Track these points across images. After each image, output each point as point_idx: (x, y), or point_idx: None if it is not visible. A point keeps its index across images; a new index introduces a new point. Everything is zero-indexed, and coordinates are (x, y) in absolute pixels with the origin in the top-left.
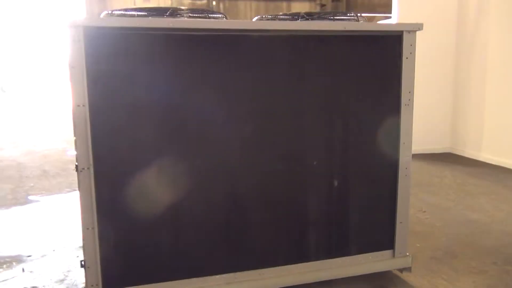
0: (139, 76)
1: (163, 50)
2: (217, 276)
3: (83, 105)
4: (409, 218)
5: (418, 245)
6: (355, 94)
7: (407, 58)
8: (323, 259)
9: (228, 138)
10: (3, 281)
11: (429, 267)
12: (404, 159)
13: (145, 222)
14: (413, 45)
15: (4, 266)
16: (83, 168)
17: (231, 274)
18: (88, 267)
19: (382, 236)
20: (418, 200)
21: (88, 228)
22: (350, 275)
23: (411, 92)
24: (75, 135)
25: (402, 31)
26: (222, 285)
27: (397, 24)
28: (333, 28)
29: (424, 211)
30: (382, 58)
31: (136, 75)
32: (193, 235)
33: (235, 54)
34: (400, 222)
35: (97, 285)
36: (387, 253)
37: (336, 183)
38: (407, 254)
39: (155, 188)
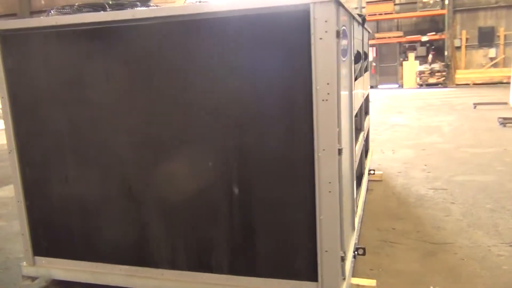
0: (40, 72)
1: (54, 46)
2: (121, 266)
3: (3, 97)
4: (338, 246)
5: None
6: (255, 87)
7: (321, 39)
8: (226, 274)
9: (119, 133)
10: None
11: None
12: (325, 171)
13: (60, 204)
14: (329, 21)
15: None
16: (10, 151)
17: (134, 268)
18: (22, 234)
19: (301, 264)
20: None
21: (18, 201)
22: None
23: (330, 83)
24: (3, 122)
25: (308, 4)
26: (123, 275)
27: None
28: (209, 10)
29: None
30: (285, 42)
31: (38, 70)
32: (98, 223)
33: (117, 46)
34: (326, 251)
35: (28, 251)
36: (310, 285)
37: (236, 191)
38: None
39: (64, 174)
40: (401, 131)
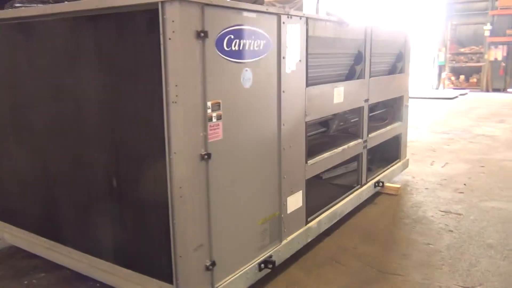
0: None
1: None
2: (45, 239)
3: None
4: (194, 253)
5: None
6: (119, 85)
7: (170, 39)
8: (111, 262)
9: (38, 117)
10: None
11: None
12: (176, 174)
13: (7, 176)
14: (176, 20)
15: None
16: None
17: (52, 242)
18: None
19: (161, 265)
20: None
21: None
22: None
23: (179, 85)
24: None
25: (157, 3)
26: (44, 248)
27: None
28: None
29: None
30: (135, 42)
31: None
32: (30, 196)
33: (29, 40)
34: (180, 256)
35: None
36: (167, 286)
37: (113, 185)
38: None
39: (8, 149)
40: (479, 143)
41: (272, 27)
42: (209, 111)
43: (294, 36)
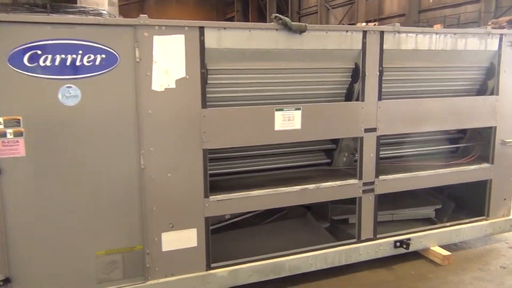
0: None
1: None
2: None
3: None
4: None
5: None
6: None
7: None
8: None
9: None
10: None
11: None
12: None
13: None
14: None
15: None
16: None
17: None
18: None
19: None
20: None
21: None
22: None
23: None
24: None
25: None
26: None
27: None
28: None
29: None
30: None
31: None
32: None
33: None
34: None
35: None
36: None
37: None
38: None
39: None
40: None
41: (121, 41)
42: (0, 126)
43: (171, 49)
